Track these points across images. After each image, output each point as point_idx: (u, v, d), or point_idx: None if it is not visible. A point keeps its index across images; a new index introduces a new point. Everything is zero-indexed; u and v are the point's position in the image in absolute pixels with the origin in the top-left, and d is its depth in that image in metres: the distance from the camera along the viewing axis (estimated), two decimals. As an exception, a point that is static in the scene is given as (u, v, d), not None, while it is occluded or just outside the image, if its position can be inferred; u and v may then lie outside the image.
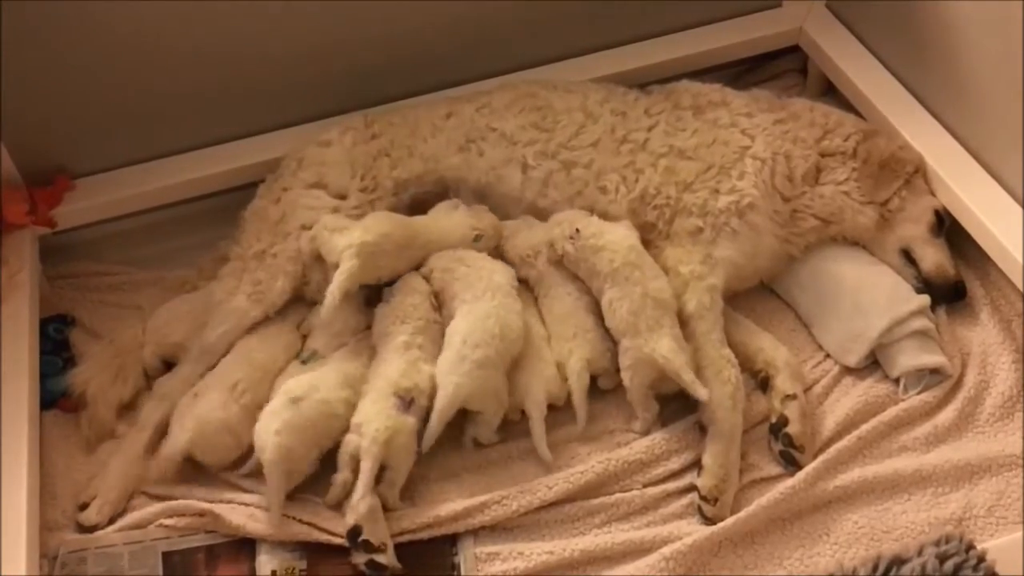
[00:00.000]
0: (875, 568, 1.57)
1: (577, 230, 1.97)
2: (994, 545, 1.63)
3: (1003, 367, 1.95)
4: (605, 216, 2.05)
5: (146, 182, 2.25)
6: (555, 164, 2.10)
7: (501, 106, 2.17)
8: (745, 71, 2.57)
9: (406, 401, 1.81)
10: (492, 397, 1.85)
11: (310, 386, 1.81)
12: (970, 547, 1.57)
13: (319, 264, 2.01)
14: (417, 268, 2.02)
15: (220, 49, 2.20)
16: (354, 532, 1.73)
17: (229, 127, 2.30)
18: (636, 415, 1.91)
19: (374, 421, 1.77)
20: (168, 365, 2.02)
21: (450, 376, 1.83)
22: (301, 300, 2.06)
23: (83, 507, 1.83)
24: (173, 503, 1.82)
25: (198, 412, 1.85)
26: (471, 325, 1.87)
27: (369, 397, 1.82)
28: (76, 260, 2.28)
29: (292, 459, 1.76)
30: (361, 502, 1.74)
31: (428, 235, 2.04)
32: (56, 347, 2.08)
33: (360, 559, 1.72)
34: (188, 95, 2.24)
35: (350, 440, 1.78)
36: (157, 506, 1.82)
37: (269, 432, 1.75)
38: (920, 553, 1.57)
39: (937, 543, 1.58)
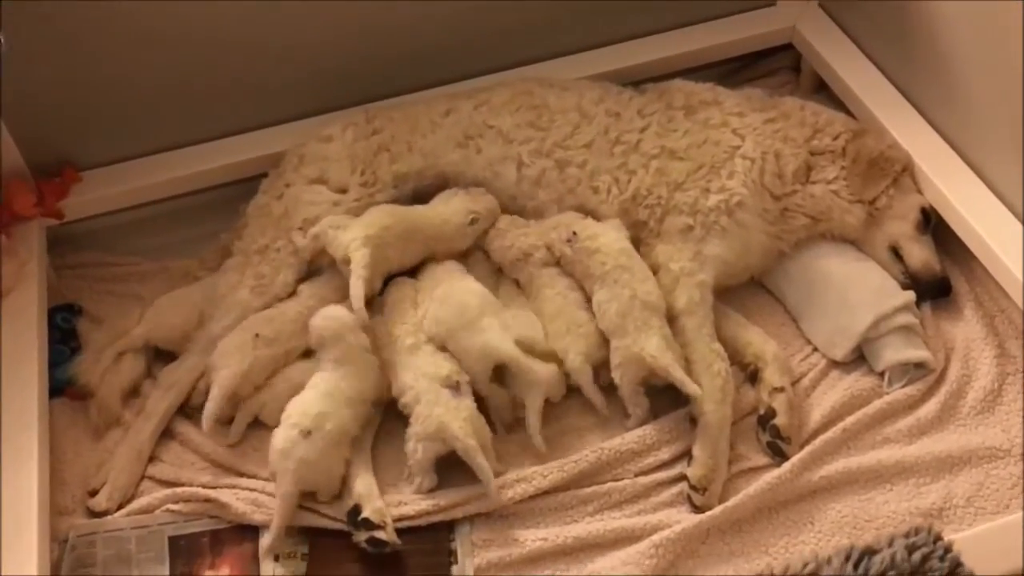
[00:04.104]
0: (847, 558, 1.62)
1: (574, 233, 2.01)
2: (961, 537, 1.68)
3: (985, 362, 1.99)
4: (595, 215, 2.10)
5: (151, 175, 2.29)
6: (549, 163, 2.14)
7: (499, 104, 2.21)
8: (739, 68, 2.60)
9: (454, 386, 1.86)
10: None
11: (318, 415, 1.81)
12: (937, 539, 1.62)
13: (324, 256, 2.05)
14: (417, 266, 2.08)
15: (224, 45, 2.23)
16: (354, 511, 1.79)
17: (232, 122, 2.34)
18: (628, 411, 1.95)
19: (455, 420, 1.81)
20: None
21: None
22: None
23: (93, 493, 1.88)
24: (179, 490, 1.87)
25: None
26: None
27: (424, 401, 1.84)
28: (83, 251, 2.32)
29: (308, 485, 1.81)
30: (359, 483, 1.82)
31: (427, 224, 2.08)
32: (64, 336, 2.12)
33: (361, 537, 1.77)
34: (193, 90, 2.28)
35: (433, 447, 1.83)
36: (163, 492, 1.88)
37: (285, 468, 1.79)
38: (890, 544, 1.61)
39: (907, 535, 1.63)
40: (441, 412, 1.82)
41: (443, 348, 1.94)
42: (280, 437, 1.81)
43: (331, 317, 1.92)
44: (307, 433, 1.79)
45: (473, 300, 1.96)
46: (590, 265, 1.99)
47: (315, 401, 1.84)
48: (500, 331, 1.92)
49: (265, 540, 1.79)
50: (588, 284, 2.01)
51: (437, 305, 1.96)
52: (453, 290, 1.99)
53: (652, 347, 1.88)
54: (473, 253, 2.15)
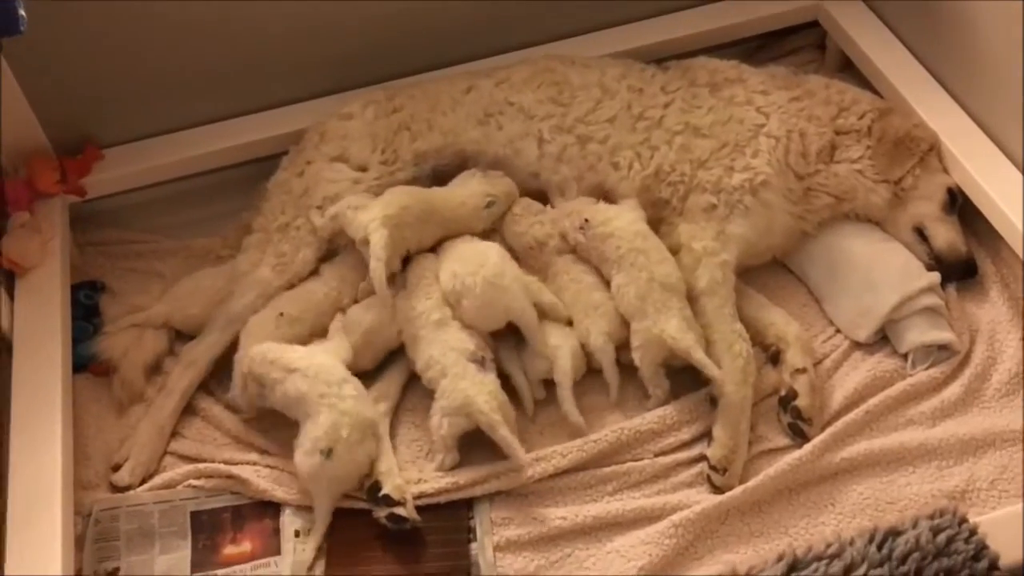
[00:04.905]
0: (871, 539, 1.61)
1: (586, 220, 2.01)
2: (986, 519, 1.67)
3: (1011, 344, 1.97)
4: (615, 192, 2.09)
5: (173, 152, 2.30)
6: (570, 139, 2.12)
7: (520, 81, 2.20)
8: (763, 46, 2.57)
9: (479, 361, 1.87)
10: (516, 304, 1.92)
11: (329, 429, 1.78)
12: (963, 521, 1.62)
13: (343, 235, 2.05)
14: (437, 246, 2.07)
15: (245, 23, 2.23)
16: (374, 488, 1.80)
17: (253, 99, 2.34)
18: (648, 391, 1.94)
19: (480, 394, 1.82)
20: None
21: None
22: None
23: (116, 468, 1.90)
24: (201, 465, 1.89)
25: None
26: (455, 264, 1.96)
27: (451, 375, 1.84)
28: (105, 228, 2.33)
29: (346, 491, 1.82)
30: (379, 460, 1.83)
31: (445, 206, 2.07)
32: (87, 313, 2.13)
33: (381, 513, 1.78)
34: (214, 68, 2.28)
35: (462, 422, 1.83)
36: (186, 468, 1.89)
37: (320, 490, 1.79)
38: (915, 525, 1.61)
39: (931, 516, 1.63)
40: (467, 386, 1.82)
41: (457, 304, 1.93)
42: (305, 465, 1.79)
43: (249, 362, 1.89)
44: (328, 452, 1.78)
45: (493, 256, 1.95)
46: (605, 250, 1.98)
47: (317, 421, 1.80)
48: (524, 294, 1.92)
49: (307, 552, 1.78)
50: (605, 269, 2.00)
51: (451, 262, 1.96)
52: (467, 248, 1.99)
53: (672, 328, 1.87)
54: (490, 235, 2.14)
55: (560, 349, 1.92)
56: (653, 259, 1.95)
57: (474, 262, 1.94)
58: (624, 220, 2.00)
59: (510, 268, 1.96)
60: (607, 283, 1.99)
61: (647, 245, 1.97)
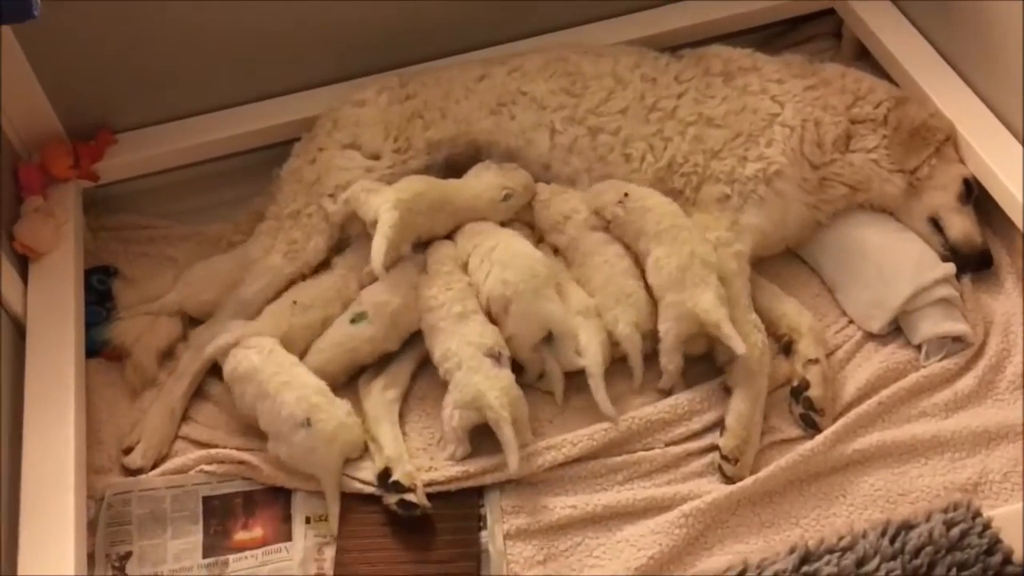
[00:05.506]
0: (884, 532, 1.61)
1: (626, 194, 2.01)
2: (999, 513, 1.67)
3: (1026, 336, 1.96)
4: None
5: (186, 138, 2.30)
6: (581, 130, 2.11)
7: (533, 70, 2.18)
8: (779, 34, 2.55)
9: (496, 356, 1.87)
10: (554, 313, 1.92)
11: (297, 400, 1.82)
12: (976, 514, 1.61)
13: (355, 222, 2.06)
14: (450, 235, 2.07)
15: (258, 8, 2.22)
16: (384, 474, 1.81)
17: (266, 85, 2.34)
18: (661, 365, 1.93)
19: (492, 389, 1.82)
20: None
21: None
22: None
23: (127, 452, 1.91)
24: (213, 451, 1.90)
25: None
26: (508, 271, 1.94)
27: (465, 368, 1.85)
28: (118, 213, 2.34)
29: (347, 455, 1.84)
30: (389, 446, 1.84)
31: (459, 197, 2.07)
32: (99, 298, 2.14)
33: (391, 499, 1.79)
34: (227, 53, 2.28)
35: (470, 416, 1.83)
36: (198, 453, 1.90)
37: (317, 462, 1.81)
38: (928, 519, 1.60)
39: (945, 510, 1.62)
40: (480, 380, 1.82)
41: (503, 310, 1.92)
42: (293, 446, 1.81)
43: (228, 369, 1.91)
44: (307, 421, 1.80)
45: (540, 267, 1.96)
46: (644, 224, 1.98)
47: (283, 399, 1.82)
48: (561, 303, 1.93)
49: (332, 525, 1.81)
50: (643, 243, 1.98)
51: (501, 268, 1.95)
52: (516, 252, 1.98)
53: (705, 302, 1.87)
54: (511, 224, 2.13)
55: (590, 342, 1.91)
56: (695, 236, 1.95)
57: (527, 271, 1.94)
58: (661, 199, 2.01)
59: (552, 279, 1.96)
60: (639, 268, 1.99)
61: (687, 223, 1.98)
